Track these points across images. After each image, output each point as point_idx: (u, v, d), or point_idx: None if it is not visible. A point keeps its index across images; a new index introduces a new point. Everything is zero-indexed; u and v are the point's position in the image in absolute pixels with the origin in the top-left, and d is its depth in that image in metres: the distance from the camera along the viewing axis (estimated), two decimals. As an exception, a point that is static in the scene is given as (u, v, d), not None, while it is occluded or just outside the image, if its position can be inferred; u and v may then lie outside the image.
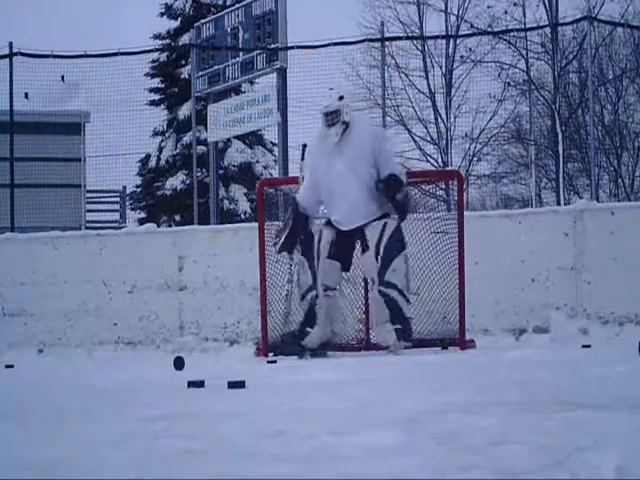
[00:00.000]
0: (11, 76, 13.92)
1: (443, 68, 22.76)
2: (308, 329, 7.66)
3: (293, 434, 3.21)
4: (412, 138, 22.21)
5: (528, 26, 21.09)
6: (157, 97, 23.29)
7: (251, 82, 18.40)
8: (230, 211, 21.79)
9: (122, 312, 9.90)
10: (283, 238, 7.83)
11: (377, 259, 7.50)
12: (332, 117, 7.67)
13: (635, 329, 8.82)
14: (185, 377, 5.47)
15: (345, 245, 7.71)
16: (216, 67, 15.23)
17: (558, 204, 17.70)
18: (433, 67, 22.84)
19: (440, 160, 22.01)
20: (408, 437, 3.07)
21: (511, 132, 22.73)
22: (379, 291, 7.48)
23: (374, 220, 7.61)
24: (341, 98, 7.77)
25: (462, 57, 21.88)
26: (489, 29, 21.60)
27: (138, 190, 23.36)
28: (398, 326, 7.53)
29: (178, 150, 22.76)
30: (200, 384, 5.10)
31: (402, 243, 7.68)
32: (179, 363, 6.87)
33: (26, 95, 15.77)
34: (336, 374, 5.76)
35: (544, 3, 22.63)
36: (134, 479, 2.59)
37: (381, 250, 7.52)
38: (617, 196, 23.44)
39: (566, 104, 22.22)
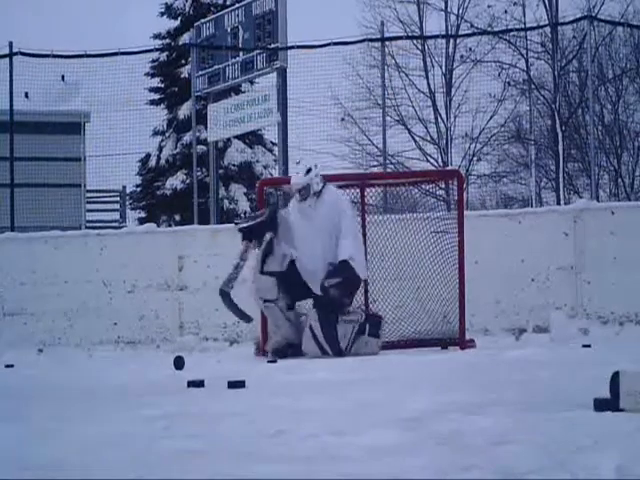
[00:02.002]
0: (11, 76, 13.90)
1: (443, 68, 22.74)
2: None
3: (293, 434, 3.21)
4: (412, 138, 22.19)
5: (528, 26, 21.06)
6: (157, 97, 23.26)
7: (251, 82, 18.38)
8: (230, 211, 21.78)
9: (122, 312, 9.89)
10: (251, 222, 8.04)
11: (326, 352, 7.61)
12: (303, 192, 7.96)
13: (635, 329, 8.83)
14: (185, 377, 5.47)
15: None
16: (216, 67, 15.21)
17: (558, 204, 17.69)
18: (433, 67, 22.82)
19: (440, 160, 21.99)
20: (408, 437, 3.07)
21: (511, 132, 22.70)
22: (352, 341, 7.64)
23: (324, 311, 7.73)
24: (309, 171, 7.99)
25: (462, 57, 21.85)
26: (489, 29, 21.57)
27: (138, 190, 23.33)
28: (367, 333, 7.65)
29: (178, 150, 22.74)
30: (200, 384, 5.10)
31: (329, 321, 7.68)
32: (179, 363, 6.87)
33: (26, 95, 15.75)
34: (336, 374, 5.77)
35: (544, 2, 22.61)
36: (134, 479, 2.59)
37: (326, 348, 7.62)
38: (617, 196, 23.42)
39: (566, 104, 22.20)
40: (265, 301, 7.92)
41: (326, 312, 7.69)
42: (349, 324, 7.68)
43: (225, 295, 7.98)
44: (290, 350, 7.78)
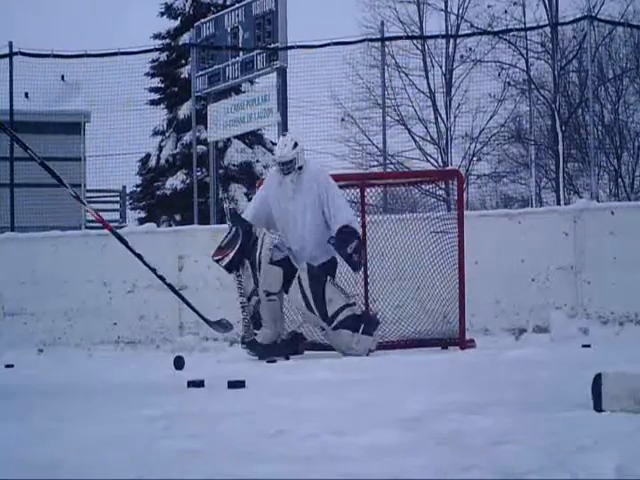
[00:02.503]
0: (11, 76, 13.91)
1: (443, 68, 22.76)
2: (255, 331, 7.80)
3: (293, 434, 3.21)
4: (412, 138, 22.20)
5: (528, 25, 21.08)
6: (157, 97, 23.27)
7: (251, 82, 18.39)
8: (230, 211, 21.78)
9: (122, 312, 9.89)
10: (231, 256, 7.77)
11: (313, 311, 7.57)
12: (287, 166, 7.83)
13: (635, 329, 8.83)
14: (185, 377, 5.46)
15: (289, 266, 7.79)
16: (216, 67, 15.22)
17: (558, 204, 17.69)
18: (433, 67, 22.84)
19: (440, 160, 22.00)
20: (408, 437, 3.07)
21: (511, 132, 22.71)
22: (333, 328, 7.55)
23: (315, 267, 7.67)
24: (295, 145, 7.88)
25: (462, 57, 21.86)
26: (489, 28, 21.58)
27: (138, 190, 23.34)
28: (361, 331, 7.58)
29: (178, 150, 22.75)
30: (200, 384, 5.10)
31: (319, 276, 7.66)
32: (179, 363, 6.87)
33: (26, 95, 15.75)
34: (336, 374, 5.76)
35: (544, 2, 22.64)
36: (134, 479, 2.59)
37: (310, 300, 7.57)
38: (617, 196, 23.42)
39: (566, 104, 22.21)
40: (269, 294, 7.76)
41: (317, 274, 7.61)
42: (341, 293, 7.60)
43: (253, 346, 7.77)
44: (273, 349, 7.71)
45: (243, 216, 8.04)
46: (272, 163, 8.08)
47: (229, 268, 7.87)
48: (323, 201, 7.74)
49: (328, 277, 7.66)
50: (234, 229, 7.83)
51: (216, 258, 7.87)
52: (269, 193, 8.00)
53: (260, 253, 7.72)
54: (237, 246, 7.74)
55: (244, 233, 7.77)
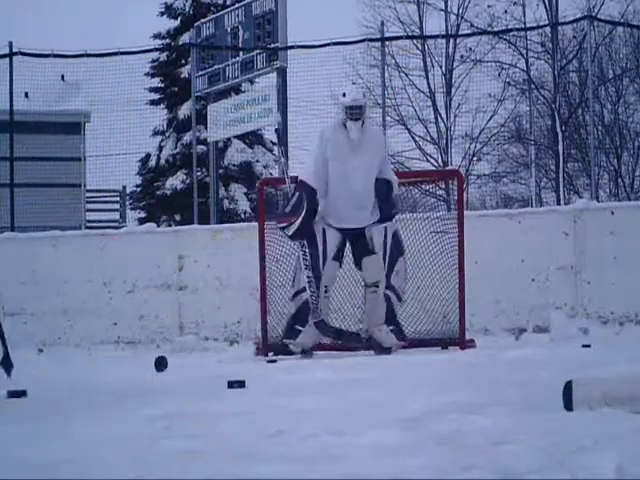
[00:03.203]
0: (11, 75, 13.91)
1: (443, 68, 22.74)
2: (299, 327, 7.68)
3: (293, 434, 3.21)
4: (412, 138, 22.18)
5: (528, 25, 21.07)
6: (157, 96, 23.27)
7: (251, 82, 18.38)
8: (230, 211, 21.78)
9: (122, 312, 9.89)
10: (298, 223, 7.38)
11: (385, 263, 7.53)
12: (357, 112, 7.61)
13: (635, 329, 8.83)
14: (186, 377, 5.46)
15: (342, 246, 7.71)
16: (216, 67, 15.21)
17: (558, 204, 17.69)
18: (433, 67, 22.83)
19: (440, 160, 21.99)
20: (408, 437, 3.07)
21: (511, 132, 22.70)
22: (384, 294, 7.51)
23: (374, 223, 7.62)
24: (364, 95, 7.85)
25: (462, 57, 21.86)
26: (489, 28, 21.58)
27: (138, 190, 23.34)
28: (392, 327, 7.63)
29: (178, 150, 22.75)
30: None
31: (401, 246, 7.72)
32: (160, 364, 6.75)
33: (26, 94, 15.75)
34: (336, 374, 5.77)
35: (544, 2, 22.62)
36: (134, 479, 2.59)
37: (387, 255, 7.55)
38: (617, 196, 23.41)
39: (566, 104, 22.20)
40: (327, 290, 7.59)
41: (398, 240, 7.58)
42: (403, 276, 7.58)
43: (322, 326, 7.56)
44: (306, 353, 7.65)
45: (304, 179, 7.63)
46: (339, 111, 7.81)
47: (294, 237, 7.50)
48: (381, 164, 7.65)
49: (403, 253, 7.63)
50: (297, 194, 7.49)
51: (281, 225, 7.50)
52: (327, 148, 7.63)
53: (325, 250, 7.50)
54: (303, 213, 7.40)
55: (308, 198, 7.45)
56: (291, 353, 7.80)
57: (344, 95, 7.76)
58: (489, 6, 22.50)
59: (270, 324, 8.30)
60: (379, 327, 7.60)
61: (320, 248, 7.51)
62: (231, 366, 7.13)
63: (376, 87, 18.73)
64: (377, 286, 7.55)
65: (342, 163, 7.60)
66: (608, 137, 23.37)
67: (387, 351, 7.50)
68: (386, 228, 7.60)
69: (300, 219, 7.42)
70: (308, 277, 7.53)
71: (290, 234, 7.52)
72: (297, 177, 7.81)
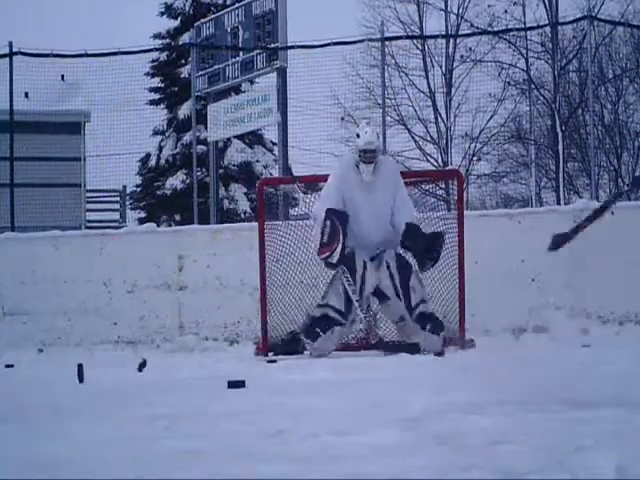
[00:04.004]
0: (11, 75, 13.91)
1: (443, 67, 22.76)
2: (319, 331, 7.55)
3: (293, 434, 3.21)
4: (412, 137, 22.22)
5: (528, 25, 21.09)
6: (157, 96, 23.29)
7: (251, 82, 18.39)
8: (230, 211, 21.79)
9: (122, 312, 9.89)
10: (339, 250, 7.36)
11: (399, 298, 7.48)
12: (371, 155, 7.57)
13: (635, 329, 8.83)
14: (186, 377, 5.46)
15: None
16: (216, 67, 15.22)
17: (558, 204, 17.69)
18: (433, 66, 22.85)
19: (440, 159, 22.00)
20: (408, 437, 3.07)
21: (511, 132, 22.72)
22: (414, 320, 7.46)
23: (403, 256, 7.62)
24: (378, 136, 7.82)
25: (462, 56, 21.88)
26: (489, 28, 21.59)
27: (138, 190, 23.36)
28: (428, 329, 7.46)
29: (178, 149, 22.76)
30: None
31: (408, 264, 7.62)
32: (141, 366, 6.76)
33: (26, 94, 15.76)
34: (336, 374, 5.76)
35: (544, 2, 22.64)
36: (134, 479, 2.59)
37: (398, 288, 7.50)
38: (617, 196, 23.39)
39: (566, 103, 22.21)
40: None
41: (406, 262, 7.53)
42: (421, 286, 7.53)
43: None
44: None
45: (330, 206, 7.52)
46: (351, 150, 7.73)
47: (339, 263, 7.44)
48: (395, 198, 7.63)
49: (414, 267, 7.60)
50: (329, 222, 7.43)
51: (324, 256, 7.45)
52: (342, 182, 7.61)
53: (362, 290, 7.49)
54: (341, 238, 7.37)
55: (342, 221, 7.41)
56: (291, 353, 7.80)
57: (358, 136, 7.67)
58: (489, 6, 22.53)
59: (270, 324, 8.30)
60: (419, 334, 7.46)
61: (358, 286, 7.51)
62: (231, 366, 7.13)
63: (376, 87, 18.78)
64: (403, 320, 7.54)
65: (358, 199, 7.60)
66: (608, 137, 23.39)
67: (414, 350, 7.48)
68: (388, 264, 7.53)
69: (341, 244, 7.41)
70: (357, 300, 7.48)
71: (335, 261, 7.45)
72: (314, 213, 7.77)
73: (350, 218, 7.54)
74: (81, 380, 5.97)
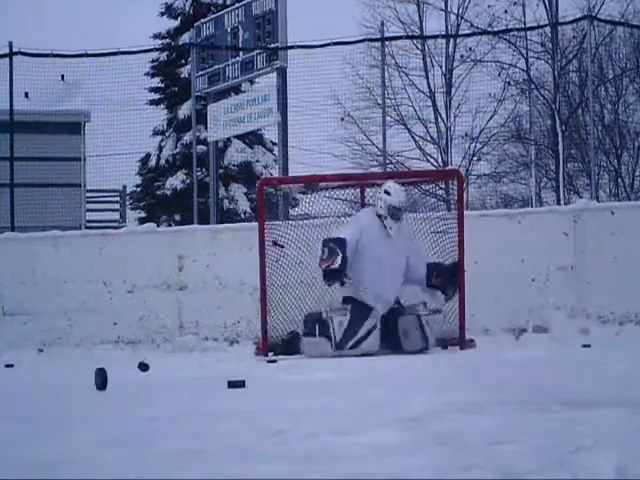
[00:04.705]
0: (11, 75, 13.89)
1: (443, 67, 22.72)
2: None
3: (293, 434, 3.22)
4: (412, 138, 22.18)
5: (528, 25, 21.05)
6: (157, 96, 23.25)
7: (251, 82, 18.37)
8: (230, 211, 21.78)
9: (122, 312, 9.89)
10: (340, 259, 7.55)
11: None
12: (399, 213, 7.90)
13: (635, 329, 8.83)
14: (186, 377, 5.46)
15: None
16: (216, 67, 15.21)
17: (558, 204, 17.68)
18: (433, 66, 22.80)
19: (440, 159, 21.98)
20: (408, 437, 3.07)
21: (511, 132, 22.68)
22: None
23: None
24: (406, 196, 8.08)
25: (462, 56, 21.84)
26: (489, 28, 21.56)
27: (138, 190, 23.33)
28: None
29: (178, 149, 22.74)
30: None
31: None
32: (143, 367, 6.76)
33: (26, 94, 15.74)
34: (336, 374, 5.76)
35: (544, 2, 22.61)
36: (134, 479, 2.59)
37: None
38: (617, 196, 23.40)
39: (566, 103, 22.19)
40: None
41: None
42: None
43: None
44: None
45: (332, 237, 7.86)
46: (380, 204, 7.91)
47: (338, 274, 7.64)
48: (410, 251, 7.95)
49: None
50: (327, 249, 7.65)
51: (324, 265, 7.63)
52: (363, 229, 7.89)
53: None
54: (341, 253, 7.59)
55: (341, 246, 7.63)
56: (291, 353, 7.81)
57: (388, 193, 7.92)
58: (489, 6, 22.48)
59: (270, 324, 8.31)
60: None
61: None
62: (231, 366, 7.13)
63: (376, 87, 18.75)
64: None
65: (379, 251, 7.84)
66: (608, 137, 23.36)
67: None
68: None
69: (340, 258, 7.59)
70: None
71: (335, 268, 7.59)
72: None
73: (364, 263, 7.81)
74: (103, 386, 5.39)
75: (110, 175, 16.24)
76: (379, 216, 7.91)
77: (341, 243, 7.68)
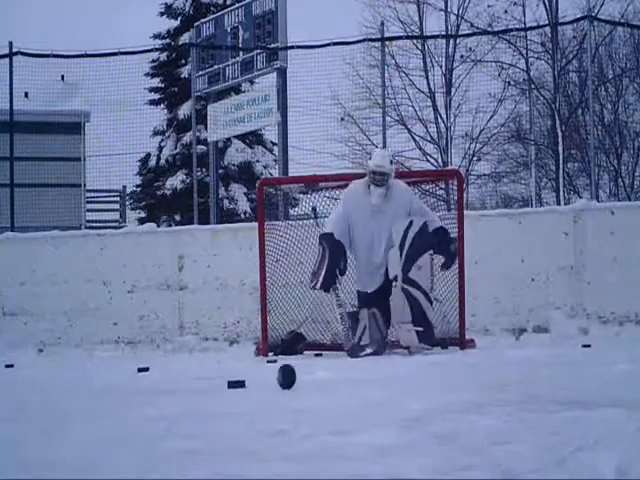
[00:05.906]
0: (11, 76, 13.90)
1: (443, 67, 22.72)
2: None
3: (293, 434, 3.22)
4: (412, 138, 22.20)
5: (528, 25, 21.05)
6: (157, 97, 23.25)
7: (251, 82, 18.38)
8: (230, 211, 21.78)
9: (122, 312, 9.89)
10: (322, 277, 7.61)
11: (401, 255, 7.53)
12: (382, 178, 7.70)
13: (635, 329, 8.83)
14: (186, 377, 5.46)
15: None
16: (216, 67, 15.21)
17: (558, 204, 17.67)
18: (433, 66, 22.80)
19: (440, 159, 21.98)
20: (408, 437, 3.07)
21: (511, 132, 22.68)
22: (402, 288, 7.50)
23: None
24: (391, 162, 7.87)
25: (462, 56, 21.84)
26: (489, 28, 21.56)
27: (138, 190, 23.32)
28: (419, 328, 7.51)
29: (178, 150, 22.74)
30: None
31: (429, 243, 7.66)
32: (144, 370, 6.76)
33: (26, 95, 15.74)
34: (336, 374, 5.76)
35: (544, 2, 22.61)
36: (134, 479, 2.59)
37: (406, 246, 7.56)
38: (617, 196, 23.40)
39: (566, 104, 22.19)
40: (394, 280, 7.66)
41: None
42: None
43: (355, 351, 7.59)
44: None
45: (326, 230, 7.83)
46: (365, 169, 7.85)
47: (325, 289, 7.72)
48: (411, 212, 7.75)
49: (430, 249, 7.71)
50: (321, 248, 7.71)
51: (312, 285, 7.74)
52: (349, 207, 7.80)
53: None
54: (325, 266, 7.62)
55: (331, 251, 7.63)
56: (291, 353, 7.82)
57: (370, 158, 7.87)
58: (489, 6, 22.48)
59: (270, 324, 8.31)
60: (400, 324, 7.56)
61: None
62: (231, 366, 7.13)
63: (376, 87, 18.75)
64: (396, 280, 7.56)
65: (365, 223, 7.73)
66: (608, 137, 23.37)
67: (410, 350, 7.50)
68: (410, 222, 7.64)
69: (323, 272, 7.61)
70: (340, 314, 7.71)
71: (318, 287, 7.69)
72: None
73: (354, 242, 7.74)
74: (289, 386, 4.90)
75: (110, 175, 16.25)
76: (368, 186, 7.77)
77: (335, 247, 7.66)
